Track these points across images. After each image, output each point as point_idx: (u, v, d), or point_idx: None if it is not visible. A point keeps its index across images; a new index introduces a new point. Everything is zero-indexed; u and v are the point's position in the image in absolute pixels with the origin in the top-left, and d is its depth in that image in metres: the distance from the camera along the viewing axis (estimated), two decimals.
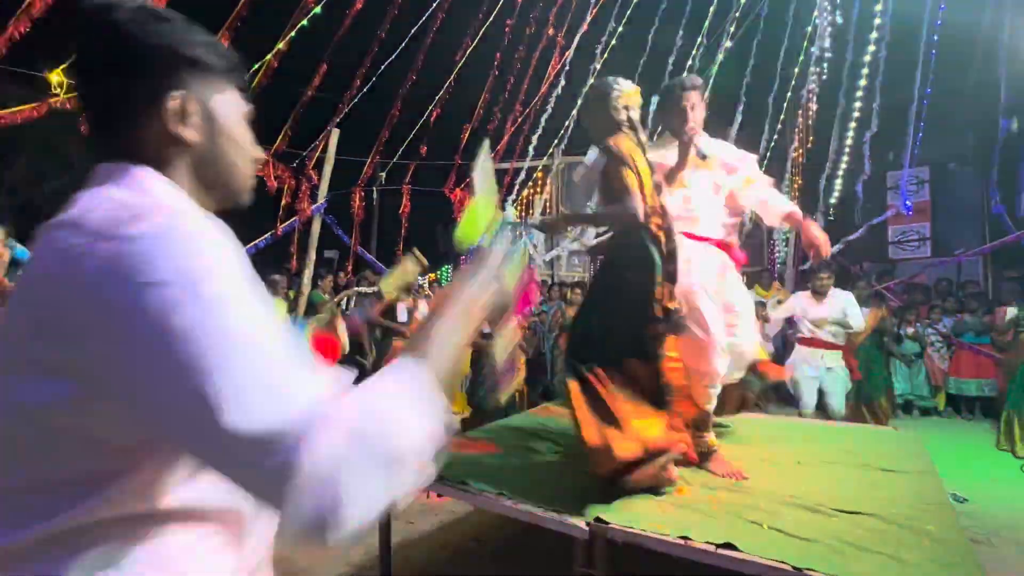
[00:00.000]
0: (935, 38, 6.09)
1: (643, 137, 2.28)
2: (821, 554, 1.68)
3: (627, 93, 2.27)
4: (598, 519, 1.91)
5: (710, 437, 2.52)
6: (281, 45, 4.14)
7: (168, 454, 0.59)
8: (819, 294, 4.61)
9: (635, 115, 2.28)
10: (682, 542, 1.76)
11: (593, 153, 2.37)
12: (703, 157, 2.45)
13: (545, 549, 2.24)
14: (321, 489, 0.48)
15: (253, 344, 0.53)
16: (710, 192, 2.57)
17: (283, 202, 5.35)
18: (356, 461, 0.50)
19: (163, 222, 0.56)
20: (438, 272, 16.45)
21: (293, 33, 4.09)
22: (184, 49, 0.68)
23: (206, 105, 0.70)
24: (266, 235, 5.21)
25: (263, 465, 0.49)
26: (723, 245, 2.59)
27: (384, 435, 0.53)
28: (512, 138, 6.75)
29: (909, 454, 2.74)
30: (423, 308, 4.94)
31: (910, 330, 7.03)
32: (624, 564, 1.94)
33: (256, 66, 4.16)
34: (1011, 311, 5.86)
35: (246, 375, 0.51)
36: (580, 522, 1.92)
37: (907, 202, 8.11)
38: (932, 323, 7.11)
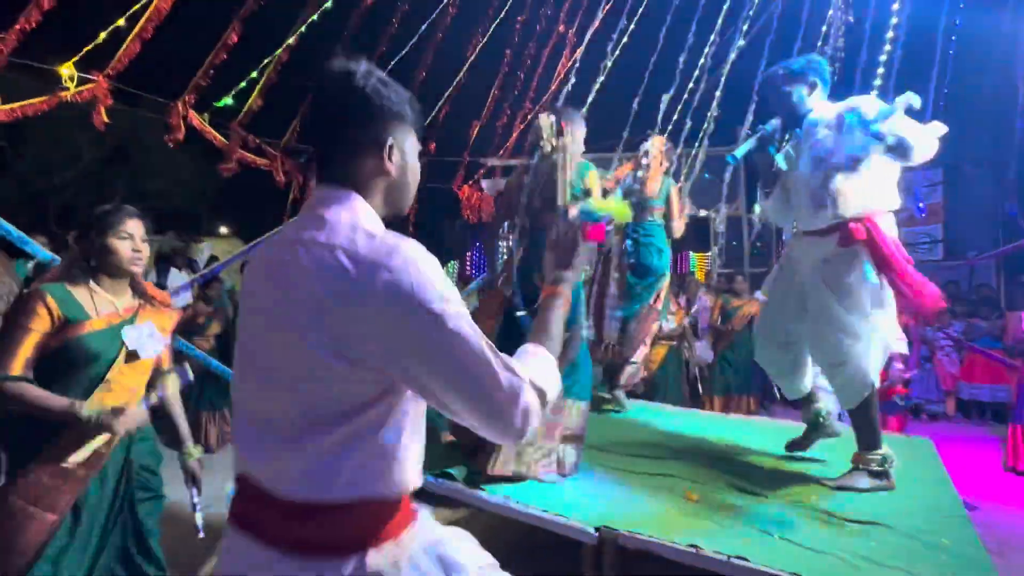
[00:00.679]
0: (952, 39, 6.00)
1: None
2: (835, 567, 1.66)
3: None
4: (607, 525, 1.89)
5: None
6: (291, 40, 4.12)
7: (399, 398, 0.91)
8: None
9: None
10: (693, 550, 1.74)
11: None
12: None
13: (549, 554, 2.22)
14: (526, 415, 0.88)
15: (479, 337, 0.86)
16: None
17: (291, 197, 5.34)
18: (537, 403, 0.90)
19: (408, 252, 0.86)
20: (446, 267, 16.45)
21: (303, 28, 4.07)
22: (396, 106, 0.95)
23: (402, 146, 0.97)
24: (274, 230, 5.20)
25: (508, 410, 0.87)
26: None
27: (544, 390, 0.93)
28: (521, 135, 6.71)
29: (922, 462, 2.70)
30: None
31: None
32: (631, 570, 1.93)
33: (266, 61, 4.14)
34: None
35: (491, 362, 0.86)
36: (589, 528, 1.90)
37: (920, 204, 8.00)
38: (942, 327, 7.03)
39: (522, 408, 0.87)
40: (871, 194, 2.22)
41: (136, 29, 3.25)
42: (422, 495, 1.00)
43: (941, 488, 2.33)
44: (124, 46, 3.30)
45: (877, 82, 5.74)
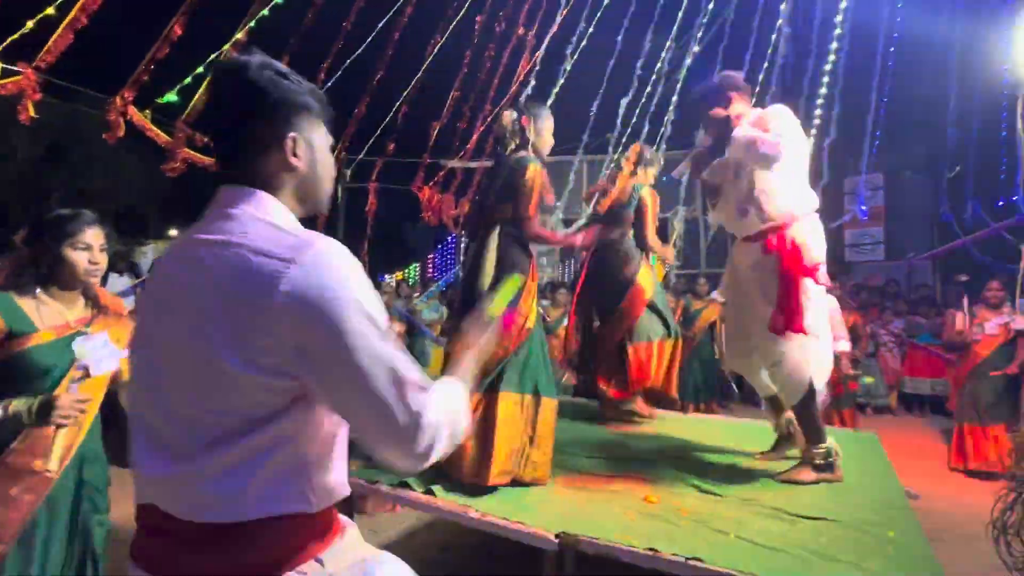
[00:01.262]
0: (891, 50, 6.32)
1: None
2: (787, 564, 1.69)
3: None
4: (567, 531, 1.88)
5: None
6: (240, 35, 3.96)
7: (312, 405, 0.84)
8: None
9: None
10: (651, 553, 1.74)
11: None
12: None
13: (513, 558, 2.20)
14: (430, 440, 0.82)
15: (391, 350, 0.81)
16: None
17: None
18: (444, 427, 0.84)
19: (322, 249, 0.80)
20: (405, 271, 16.25)
21: (252, 23, 3.92)
22: (297, 98, 0.90)
23: (309, 140, 0.92)
24: None
25: (412, 433, 0.80)
26: None
27: (453, 417, 0.87)
28: (482, 136, 6.68)
29: (869, 456, 2.80)
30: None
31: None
32: (592, 574, 1.92)
33: (213, 57, 3.97)
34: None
35: (401, 379, 0.80)
36: (549, 534, 1.88)
37: (863, 207, 8.41)
38: (884, 323, 7.39)
39: (427, 432, 0.81)
40: (788, 199, 2.33)
41: (67, 19, 3.05)
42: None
43: (887, 482, 2.43)
44: (54, 37, 3.09)
45: (822, 90, 6.01)
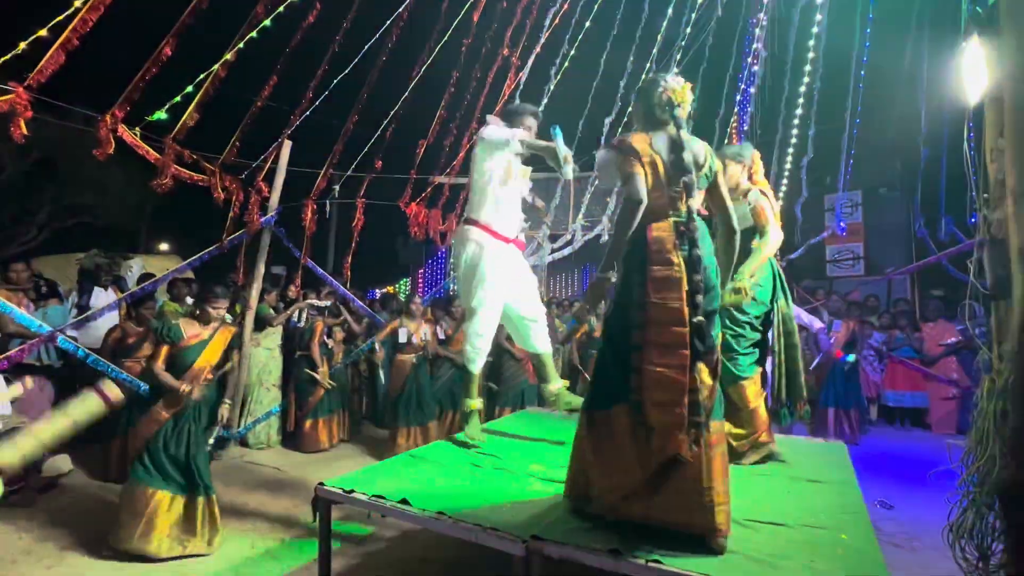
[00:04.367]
0: (862, 73, 6.56)
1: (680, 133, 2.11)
2: (743, 565, 1.76)
3: (672, 89, 2.14)
4: (535, 536, 1.94)
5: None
6: (229, 56, 4.06)
7: None
8: None
9: (679, 112, 2.11)
10: (613, 557, 1.80)
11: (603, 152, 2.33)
12: None
13: (495, 565, 2.24)
14: None
15: None
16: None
17: (231, 214, 5.19)
18: None
19: None
20: (396, 286, 16.27)
21: (241, 44, 4.02)
22: None
23: None
24: (211, 247, 5.04)
25: None
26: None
27: None
28: (468, 153, 6.81)
29: (834, 465, 2.89)
30: (425, 330, 5.52)
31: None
32: None
33: (203, 76, 4.07)
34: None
35: None
36: (516, 540, 1.94)
37: (842, 223, 8.61)
38: (865, 337, 7.51)
39: None
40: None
41: (60, 40, 3.14)
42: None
43: (847, 488, 2.51)
44: (47, 57, 3.17)
45: (799, 111, 6.21)
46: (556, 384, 3.38)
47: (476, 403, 3.34)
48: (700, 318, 1.88)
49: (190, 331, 3.24)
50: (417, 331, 5.45)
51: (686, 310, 1.90)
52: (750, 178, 3.01)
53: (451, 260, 3.12)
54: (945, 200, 7.15)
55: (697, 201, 2.05)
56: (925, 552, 3.33)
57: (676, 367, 1.86)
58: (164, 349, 3.17)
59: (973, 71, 2.01)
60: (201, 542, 3.07)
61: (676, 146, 2.06)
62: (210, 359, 3.25)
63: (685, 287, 1.92)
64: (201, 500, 3.09)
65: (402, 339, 5.39)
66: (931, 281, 8.52)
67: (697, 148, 2.12)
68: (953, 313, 7.05)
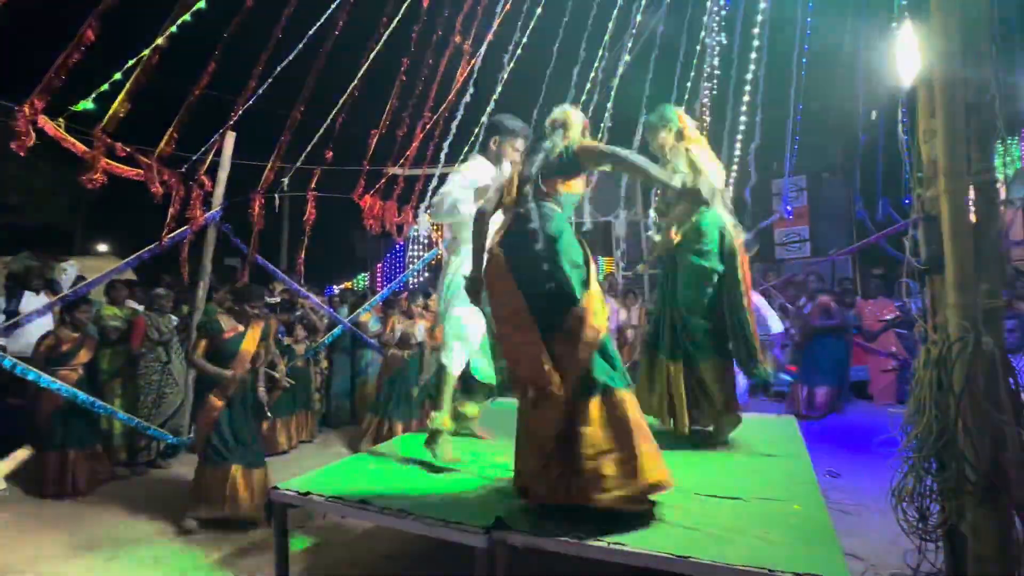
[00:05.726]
0: (804, 61, 6.79)
1: None
2: (702, 541, 1.80)
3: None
4: (498, 524, 1.92)
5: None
6: (161, 41, 3.81)
7: None
8: None
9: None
10: (576, 542, 1.81)
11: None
12: None
13: (459, 562, 2.22)
14: None
15: None
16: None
17: (171, 211, 4.91)
18: None
19: None
20: (354, 280, 15.94)
21: (174, 28, 3.78)
22: None
23: None
24: (150, 246, 4.78)
25: None
26: None
27: None
28: (422, 144, 6.68)
29: (786, 439, 3.00)
30: (420, 327, 5.67)
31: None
32: (526, 568, 1.97)
33: (131, 63, 3.80)
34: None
35: None
36: (479, 531, 1.92)
37: (788, 207, 8.95)
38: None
39: None
40: None
41: None
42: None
43: (798, 461, 2.61)
44: None
45: (745, 98, 6.38)
46: None
47: (446, 419, 2.85)
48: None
49: (228, 325, 3.64)
50: (413, 329, 5.61)
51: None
52: (682, 138, 3.10)
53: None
54: (882, 182, 7.50)
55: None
56: (870, 515, 3.51)
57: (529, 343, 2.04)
58: (203, 342, 3.56)
59: (906, 55, 2.09)
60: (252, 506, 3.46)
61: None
62: (249, 348, 3.63)
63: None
64: (260, 470, 3.57)
65: (396, 336, 5.63)
66: (871, 260, 8.97)
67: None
68: (891, 290, 7.45)
